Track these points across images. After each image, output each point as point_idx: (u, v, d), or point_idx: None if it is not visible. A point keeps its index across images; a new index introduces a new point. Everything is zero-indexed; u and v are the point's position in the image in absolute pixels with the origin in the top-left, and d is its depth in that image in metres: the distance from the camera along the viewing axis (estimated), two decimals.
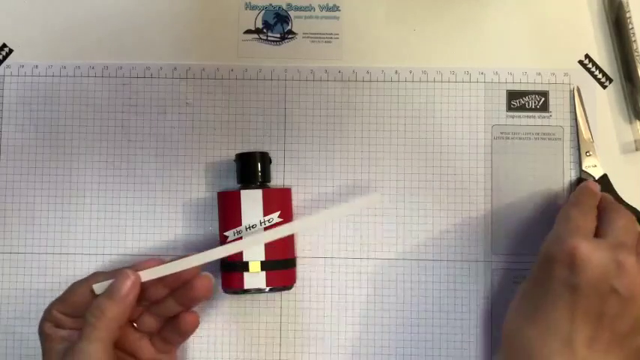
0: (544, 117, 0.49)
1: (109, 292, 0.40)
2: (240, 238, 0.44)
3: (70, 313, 0.41)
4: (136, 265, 0.41)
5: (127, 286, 0.39)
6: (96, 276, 0.42)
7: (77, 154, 0.49)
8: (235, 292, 0.46)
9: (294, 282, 0.47)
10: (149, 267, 0.41)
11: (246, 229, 0.44)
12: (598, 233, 0.40)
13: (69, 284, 0.42)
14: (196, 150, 0.49)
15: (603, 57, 0.50)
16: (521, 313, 0.40)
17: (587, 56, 0.50)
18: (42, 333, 0.41)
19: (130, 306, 0.40)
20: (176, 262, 0.41)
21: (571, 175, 0.48)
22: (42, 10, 0.50)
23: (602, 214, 0.42)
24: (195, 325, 0.43)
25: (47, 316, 0.41)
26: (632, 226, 0.40)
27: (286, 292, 0.48)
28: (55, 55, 0.50)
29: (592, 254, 0.37)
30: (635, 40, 0.48)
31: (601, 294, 0.37)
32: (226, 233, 0.45)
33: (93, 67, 0.50)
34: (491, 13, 0.50)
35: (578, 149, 0.48)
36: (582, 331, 0.37)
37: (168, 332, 0.43)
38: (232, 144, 0.49)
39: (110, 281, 0.40)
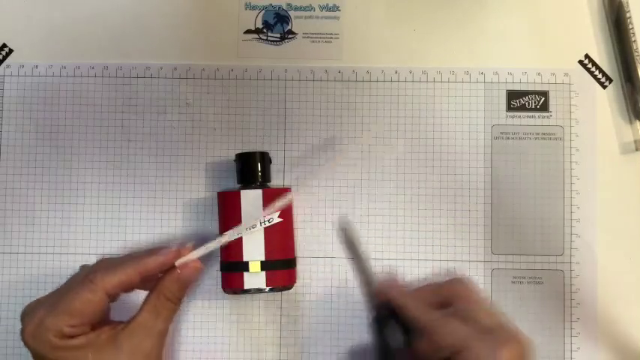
0: (544, 117, 0.49)
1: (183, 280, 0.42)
2: (241, 238, 0.44)
3: (85, 323, 0.39)
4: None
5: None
6: (101, 280, 0.40)
7: (77, 154, 0.49)
8: (235, 292, 0.46)
9: (294, 282, 0.47)
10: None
11: (246, 229, 0.44)
12: (464, 315, 0.38)
13: None
14: (196, 150, 0.49)
15: (603, 57, 0.50)
16: None
17: (587, 56, 0.50)
18: (44, 347, 0.38)
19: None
20: (210, 243, 0.43)
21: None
22: (42, 10, 0.50)
23: (453, 299, 0.39)
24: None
25: (54, 333, 0.38)
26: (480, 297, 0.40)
27: (286, 292, 0.48)
28: (55, 55, 0.50)
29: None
30: (635, 40, 0.48)
31: None
32: (225, 233, 0.45)
33: (93, 67, 0.50)
34: (491, 13, 0.50)
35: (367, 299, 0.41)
36: None
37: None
38: (232, 144, 0.49)
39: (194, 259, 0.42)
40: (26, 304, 0.40)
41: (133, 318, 0.41)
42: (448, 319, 0.38)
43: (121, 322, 0.41)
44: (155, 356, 0.41)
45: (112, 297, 0.40)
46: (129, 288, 0.42)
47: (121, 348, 0.39)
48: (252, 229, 0.44)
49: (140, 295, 0.42)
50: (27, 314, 0.40)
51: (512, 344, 0.36)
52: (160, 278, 0.42)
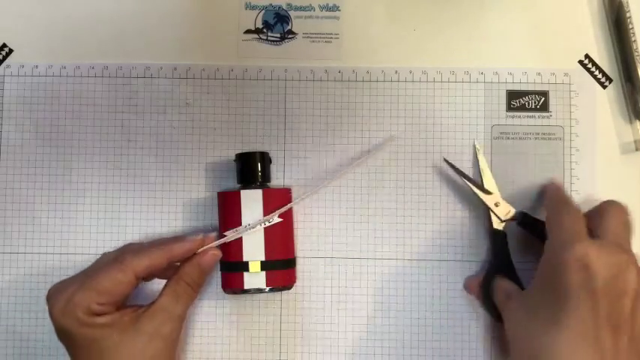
0: (544, 117, 0.49)
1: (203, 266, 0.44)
2: (241, 237, 0.44)
3: (111, 302, 0.41)
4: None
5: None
6: (131, 262, 0.41)
7: (77, 154, 0.49)
8: (235, 292, 0.46)
9: (294, 282, 0.48)
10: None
11: (246, 228, 0.44)
12: (594, 232, 0.40)
13: None
14: (196, 150, 0.49)
15: (603, 57, 0.50)
16: (536, 322, 0.39)
17: (587, 56, 0.50)
18: (73, 323, 0.40)
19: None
20: (229, 235, 0.45)
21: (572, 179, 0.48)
22: (42, 10, 0.50)
23: (593, 213, 0.42)
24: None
25: (82, 309, 0.40)
26: (627, 221, 0.41)
27: (286, 292, 0.48)
28: (55, 55, 0.50)
29: (602, 256, 0.37)
30: (635, 40, 0.48)
31: (615, 295, 0.37)
32: (226, 233, 0.45)
33: (93, 67, 0.50)
34: (491, 13, 0.50)
35: (487, 209, 0.47)
36: (607, 334, 0.36)
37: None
38: (232, 144, 0.49)
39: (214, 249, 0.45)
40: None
41: (154, 302, 0.43)
42: (570, 217, 0.40)
43: (142, 306, 0.42)
44: (173, 340, 0.42)
45: (139, 280, 0.42)
46: (154, 273, 0.44)
47: (142, 330, 0.41)
48: (252, 229, 0.44)
49: (146, 291, 0.42)
50: (53, 294, 0.41)
51: (592, 255, 0.37)
52: (181, 265, 0.44)
